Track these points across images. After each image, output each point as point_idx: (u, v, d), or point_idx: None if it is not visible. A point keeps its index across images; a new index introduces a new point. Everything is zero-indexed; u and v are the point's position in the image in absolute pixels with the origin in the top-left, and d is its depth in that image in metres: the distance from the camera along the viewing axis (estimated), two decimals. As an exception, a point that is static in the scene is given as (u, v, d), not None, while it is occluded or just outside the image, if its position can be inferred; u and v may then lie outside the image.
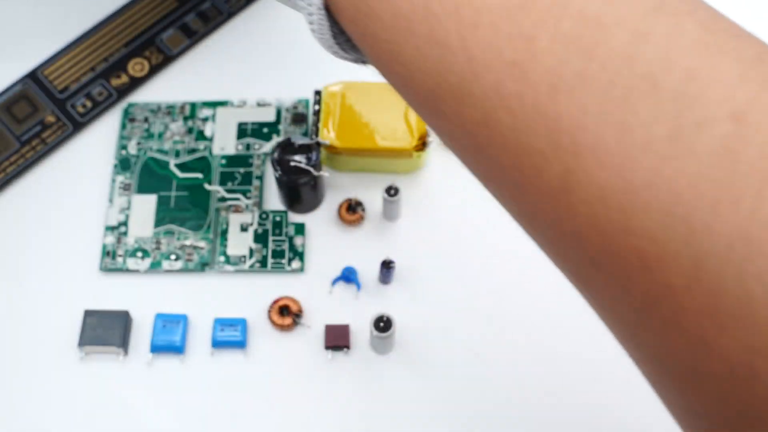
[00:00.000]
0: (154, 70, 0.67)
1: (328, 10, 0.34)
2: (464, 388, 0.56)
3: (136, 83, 0.66)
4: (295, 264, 0.59)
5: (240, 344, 0.57)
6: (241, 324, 0.57)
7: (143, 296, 0.59)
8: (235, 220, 0.61)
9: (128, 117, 0.65)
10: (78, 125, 0.65)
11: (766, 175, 0.23)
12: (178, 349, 0.57)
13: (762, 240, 0.23)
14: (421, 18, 0.30)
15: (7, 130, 0.64)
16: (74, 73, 0.67)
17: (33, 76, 0.66)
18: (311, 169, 0.58)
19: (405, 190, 0.61)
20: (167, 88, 0.66)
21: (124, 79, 0.66)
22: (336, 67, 0.67)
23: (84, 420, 0.55)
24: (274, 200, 0.62)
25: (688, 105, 0.24)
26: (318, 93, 0.63)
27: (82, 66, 0.67)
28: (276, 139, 0.64)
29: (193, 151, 0.63)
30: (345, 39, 0.36)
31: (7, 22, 0.69)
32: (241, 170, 0.63)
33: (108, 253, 0.60)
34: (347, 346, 0.56)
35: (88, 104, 0.65)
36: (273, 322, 0.57)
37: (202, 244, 0.60)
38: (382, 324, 0.54)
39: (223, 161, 0.63)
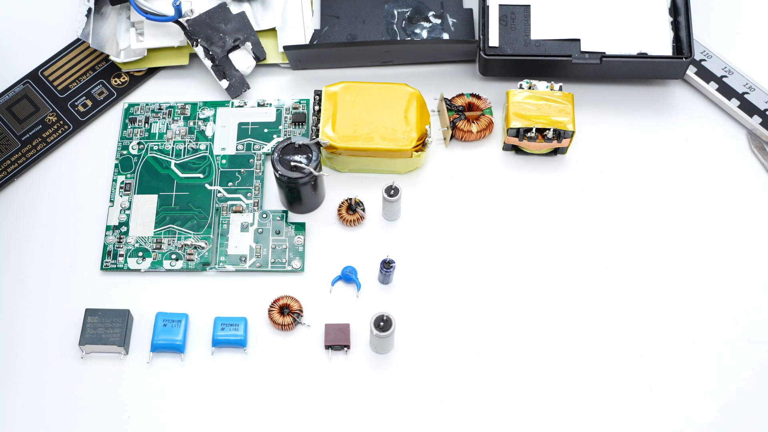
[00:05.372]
0: (154, 69, 0.67)
1: None
2: (464, 388, 0.56)
3: (135, 82, 0.66)
4: (295, 264, 0.59)
5: (241, 343, 0.57)
6: (242, 323, 0.57)
7: (144, 295, 0.59)
8: (235, 219, 0.61)
9: (129, 117, 0.65)
10: (79, 124, 0.65)
11: None
12: (178, 348, 0.57)
13: None
14: None
15: (9, 129, 0.64)
16: (74, 73, 0.67)
17: (34, 76, 0.67)
18: (311, 169, 0.58)
19: (405, 190, 0.61)
20: (168, 87, 0.67)
21: (125, 78, 0.67)
22: (336, 68, 0.67)
23: (84, 418, 0.55)
24: (274, 200, 0.62)
25: None
26: (318, 93, 0.63)
27: (82, 66, 0.67)
28: (276, 139, 0.64)
29: (193, 151, 0.63)
30: None
31: (7, 23, 0.70)
32: (242, 170, 0.63)
33: (109, 253, 0.60)
34: (347, 346, 0.57)
35: (89, 103, 0.65)
36: (273, 321, 0.57)
37: (202, 243, 0.60)
38: (382, 324, 0.54)
39: (224, 161, 0.63)
